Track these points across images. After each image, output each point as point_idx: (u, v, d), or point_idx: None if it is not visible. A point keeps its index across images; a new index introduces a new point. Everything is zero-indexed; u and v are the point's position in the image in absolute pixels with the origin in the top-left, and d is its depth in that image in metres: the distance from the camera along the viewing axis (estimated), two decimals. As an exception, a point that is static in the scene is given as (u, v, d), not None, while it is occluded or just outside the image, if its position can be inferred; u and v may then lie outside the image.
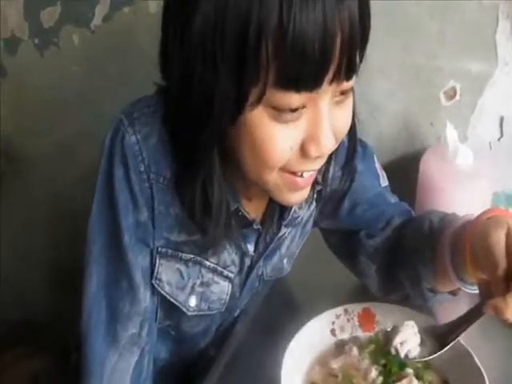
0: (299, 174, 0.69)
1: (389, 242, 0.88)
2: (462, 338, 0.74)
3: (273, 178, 0.69)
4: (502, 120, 1.19)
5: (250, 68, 0.60)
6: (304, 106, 0.63)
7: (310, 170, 0.70)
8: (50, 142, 1.55)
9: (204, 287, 0.83)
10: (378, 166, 0.94)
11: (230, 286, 0.85)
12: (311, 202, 0.89)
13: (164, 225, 0.76)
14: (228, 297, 0.85)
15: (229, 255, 0.83)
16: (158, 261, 0.78)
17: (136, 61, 1.37)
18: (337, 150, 0.75)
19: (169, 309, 0.83)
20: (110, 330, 0.77)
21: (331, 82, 0.62)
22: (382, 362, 0.76)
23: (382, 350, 0.75)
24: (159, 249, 0.77)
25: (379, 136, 1.26)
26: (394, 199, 0.94)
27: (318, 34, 0.58)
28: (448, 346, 0.68)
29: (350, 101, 0.69)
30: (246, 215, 0.80)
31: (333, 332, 0.80)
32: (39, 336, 1.61)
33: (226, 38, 0.60)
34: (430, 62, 1.19)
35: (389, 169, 0.98)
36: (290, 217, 0.85)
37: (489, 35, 1.14)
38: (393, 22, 1.18)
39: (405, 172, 1.16)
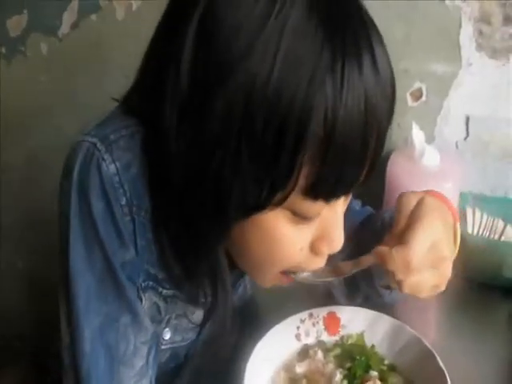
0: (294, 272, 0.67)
1: (352, 246, 0.87)
2: (426, 339, 0.75)
3: (270, 275, 0.67)
4: (467, 120, 1.20)
5: (283, 171, 0.54)
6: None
7: (311, 269, 0.67)
8: (20, 154, 1.53)
9: (179, 319, 0.78)
10: None
11: (203, 313, 0.79)
12: None
13: (145, 259, 0.69)
14: (200, 321, 0.80)
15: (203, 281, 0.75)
16: (141, 295, 0.71)
17: (105, 69, 1.37)
18: None
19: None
20: (115, 377, 0.68)
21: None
22: (347, 365, 0.76)
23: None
24: (141, 283, 0.70)
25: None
26: (357, 206, 0.93)
27: (359, 140, 0.54)
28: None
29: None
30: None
31: (298, 337, 0.79)
32: (12, 349, 1.59)
33: (257, 134, 0.53)
34: (396, 63, 1.17)
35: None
36: None
37: (453, 37, 1.15)
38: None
39: (373, 173, 1.17)
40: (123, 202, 0.64)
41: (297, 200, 0.57)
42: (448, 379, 0.70)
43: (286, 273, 0.67)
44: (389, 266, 0.64)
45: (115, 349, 0.68)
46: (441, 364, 0.72)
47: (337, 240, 0.63)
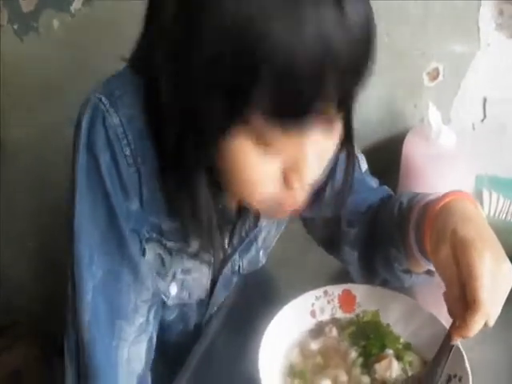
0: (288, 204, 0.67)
1: (368, 228, 0.87)
2: (443, 319, 0.74)
3: (258, 203, 0.67)
4: (485, 101, 1.18)
5: (241, 91, 0.56)
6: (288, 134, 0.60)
7: (295, 204, 0.67)
8: (33, 129, 1.53)
9: (185, 274, 0.81)
10: (358, 154, 0.92)
11: (211, 271, 0.83)
12: None
13: (150, 210, 0.72)
14: (209, 281, 0.84)
15: (206, 242, 0.77)
16: (144, 246, 0.74)
17: (117, 45, 1.35)
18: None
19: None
20: (115, 331, 0.72)
21: (320, 113, 0.58)
22: (362, 343, 0.75)
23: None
24: (145, 233, 0.74)
25: (363, 117, 1.24)
26: (375, 184, 0.92)
27: (309, 61, 0.54)
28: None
29: (337, 130, 0.65)
30: (229, 212, 0.79)
31: (312, 314, 0.79)
32: (19, 326, 1.59)
33: (219, 63, 0.56)
34: (414, 43, 1.18)
35: (372, 150, 0.97)
36: None
37: (471, 17, 1.13)
38: (377, 6, 1.17)
39: (388, 153, 1.16)
40: (127, 152, 0.67)
41: (257, 124, 0.58)
42: (465, 358, 0.69)
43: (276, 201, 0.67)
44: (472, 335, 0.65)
45: (116, 303, 0.71)
46: (458, 343, 0.71)
47: (305, 175, 0.63)
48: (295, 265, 0.98)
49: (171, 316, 0.86)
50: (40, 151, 1.55)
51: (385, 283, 0.85)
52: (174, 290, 0.80)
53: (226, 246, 0.84)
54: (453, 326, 0.68)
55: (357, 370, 0.73)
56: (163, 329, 0.87)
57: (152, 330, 0.76)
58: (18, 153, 1.58)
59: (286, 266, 1.00)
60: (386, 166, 1.02)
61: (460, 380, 0.68)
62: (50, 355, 1.45)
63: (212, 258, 0.82)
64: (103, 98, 0.67)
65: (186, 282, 0.81)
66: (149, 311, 0.75)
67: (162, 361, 0.91)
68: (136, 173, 0.69)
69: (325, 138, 0.63)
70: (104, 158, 0.67)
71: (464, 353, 0.70)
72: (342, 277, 0.87)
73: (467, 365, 0.69)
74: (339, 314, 0.80)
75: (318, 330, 0.78)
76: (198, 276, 0.82)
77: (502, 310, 0.86)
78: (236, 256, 0.87)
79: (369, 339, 0.75)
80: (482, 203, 1.07)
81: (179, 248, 0.77)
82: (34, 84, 1.47)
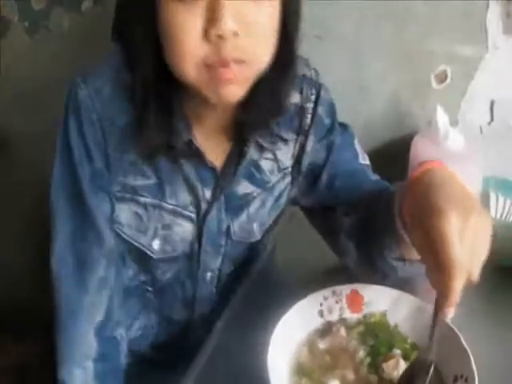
0: (219, 65, 0.72)
1: (362, 217, 0.88)
2: (450, 319, 0.75)
3: (194, 72, 0.73)
4: (492, 104, 1.19)
5: None
6: None
7: (224, 58, 0.71)
8: (38, 125, 1.53)
9: (166, 230, 0.87)
10: (357, 145, 0.96)
11: (192, 227, 0.89)
12: (286, 174, 0.93)
13: (119, 170, 0.83)
14: (190, 236, 0.89)
15: (186, 197, 0.87)
16: (116, 205, 0.84)
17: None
18: (314, 124, 0.90)
19: (138, 258, 0.89)
20: (80, 279, 0.84)
21: None
22: (370, 342, 0.76)
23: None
24: (117, 193, 0.84)
25: (371, 119, 1.26)
26: (374, 177, 0.94)
27: None
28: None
29: (271, 5, 0.73)
30: (199, 147, 0.83)
31: (321, 313, 0.80)
32: (26, 319, 1.59)
33: None
34: (422, 45, 1.19)
35: (380, 151, 0.98)
36: (246, 163, 0.88)
37: (480, 19, 1.15)
38: (385, 6, 1.18)
39: (396, 155, 1.17)
40: (94, 117, 0.80)
41: None
42: (471, 359, 0.70)
43: (213, 67, 0.72)
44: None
45: (83, 256, 0.84)
46: (464, 344, 0.72)
47: (221, 23, 0.68)
48: (304, 264, 0.99)
49: (164, 276, 0.93)
50: (44, 148, 1.56)
51: (384, 277, 0.86)
52: (156, 244, 0.88)
53: (209, 199, 0.88)
54: (438, 300, 0.66)
55: (364, 370, 0.73)
56: (162, 294, 0.95)
57: (113, 287, 0.86)
58: (22, 148, 1.59)
59: (295, 265, 1.01)
60: (394, 167, 1.03)
61: (466, 380, 0.69)
62: (52, 350, 1.46)
63: (193, 215, 0.88)
64: (78, 78, 0.81)
65: (168, 236, 0.88)
66: (108, 268, 0.85)
67: (169, 342, 1.03)
68: (102, 137, 0.81)
69: (254, 5, 0.71)
70: (72, 128, 0.81)
71: (470, 353, 0.71)
72: (350, 277, 0.88)
73: (473, 365, 0.69)
74: (347, 314, 0.81)
75: (326, 330, 0.79)
76: (181, 231, 0.88)
77: (509, 307, 0.87)
78: (222, 214, 0.90)
79: (377, 339, 0.76)
80: (488, 205, 1.08)
81: (156, 204, 0.85)
82: (43, 81, 1.48)
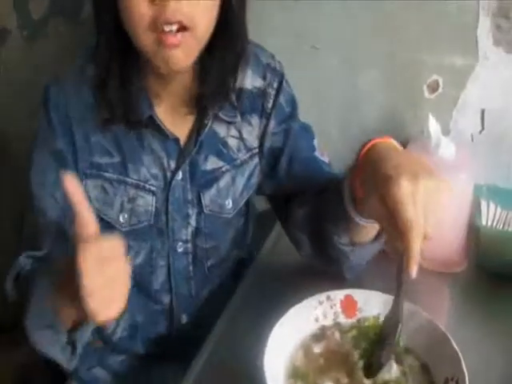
0: (165, 30, 0.80)
1: (314, 207, 0.94)
2: (441, 323, 0.77)
3: (147, 39, 0.81)
4: (483, 113, 1.21)
5: None
6: None
7: (169, 19, 0.79)
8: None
9: (131, 203, 0.95)
10: (316, 142, 1.02)
11: (154, 199, 0.96)
12: (254, 154, 1.01)
13: (85, 150, 0.92)
14: (153, 208, 0.96)
15: (148, 170, 0.95)
16: (84, 181, 0.92)
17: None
18: (275, 109, 0.98)
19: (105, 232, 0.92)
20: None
21: None
22: (363, 346, 0.78)
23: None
24: (85, 170, 0.93)
25: (365, 127, 1.28)
26: (330, 171, 1.00)
27: None
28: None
29: None
30: (160, 123, 0.92)
31: (316, 318, 0.82)
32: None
33: None
34: (414, 56, 1.22)
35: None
36: (213, 139, 0.97)
37: (470, 31, 1.17)
38: (380, 18, 1.21)
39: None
40: (61, 105, 0.91)
41: None
42: (462, 361, 0.72)
43: (161, 32, 0.80)
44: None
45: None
46: (455, 346, 0.74)
47: None
48: (299, 269, 1.01)
49: (138, 259, 0.98)
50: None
51: (336, 263, 0.92)
52: (123, 217, 0.95)
53: (173, 169, 0.96)
54: (400, 262, 0.71)
55: (358, 373, 0.75)
56: (140, 284, 0.99)
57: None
58: (21, 157, 1.59)
59: (290, 270, 1.03)
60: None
61: (457, 382, 0.71)
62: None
63: (156, 188, 0.96)
64: (53, 78, 0.94)
65: (133, 209, 0.95)
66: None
67: (155, 334, 1.06)
68: (69, 124, 0.91)
69: None
70: (42, 115, 0.92)
71: (461, 355, 0.73)
72: (344, 282, 0.90)
73: (464, 367, 0.71)
74: (341, 319, 0.82)
75: (320, 334, 0.81)
76: (144, 203, 0.95)
77: (498, 312, 0.89)
78: (187, 184, 0.97)
79: (370, 343, 0.78)
80: (480, 212, 1.10)
81: (121, 180, 0.94)
82: (40, 86, 1.49)
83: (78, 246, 0.64)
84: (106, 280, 0.65)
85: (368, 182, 0.77)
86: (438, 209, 0.70)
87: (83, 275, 0.63)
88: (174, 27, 0.80)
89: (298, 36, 1.28)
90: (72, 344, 0.81)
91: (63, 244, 0.88)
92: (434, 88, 1.22)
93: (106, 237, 0.68)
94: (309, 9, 1.24)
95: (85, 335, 0.82)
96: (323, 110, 1.30)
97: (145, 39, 0.82)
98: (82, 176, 0.92)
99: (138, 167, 0.94)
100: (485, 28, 1.16)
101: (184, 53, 0.82)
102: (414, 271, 0.68)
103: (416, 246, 0.67)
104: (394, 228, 0.69)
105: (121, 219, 0.95)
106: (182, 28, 0.80)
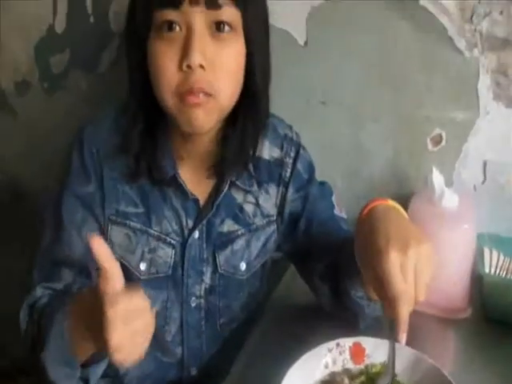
0: (188, 92, 0.84)
1: (334, 262, 0.96)
2: (445, 369, 0.80)
3: (170, 99, 0.86)
4: (485, 164, 1.25)
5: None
6: (179, 25, 0.83)
7: (193, 86, 0.84)
8: (53, 177, 1.58)
9: (152, 253, 0.97)
10: (334, 199, 1.05)
11: (174, 252, 0.98)
12: (271, 221, 1.03)
13: (113, 198, 0.95)
14: (172, 261, 0.98)
15: (170, 225, 0.98)
16: (109, 226, 0.96)
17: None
18: (293, 177, 1.01)
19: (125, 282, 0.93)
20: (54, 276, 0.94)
21: (192, 3, 0.82)
22: (372, 392, 0.81)
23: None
24: (111, 217, 0.96)
25: (370, 179, 1.32)
26: (347, 227, 1.02)
27: None
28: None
29: (232, 44, 0.86)
30: (182, 183, 0.96)
31: (326, 364, 0.85)
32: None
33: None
34: (418, 110, 1.27)
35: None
36: (222, 198, 0.99)
37: (471, 86, 1.22)
38: (384, 74, 1.26)
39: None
40: (94, 150, 0.94)
41: (155, 15, 0.84)
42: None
43: (184, 94, 0.85)
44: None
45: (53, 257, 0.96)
46: (450, 379, 0.77)
47: (190, 56, 0.82)
48: (311, 317, 1.04)
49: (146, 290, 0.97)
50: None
51: (353, 315, 0.95)
52: (143, 266, 0.97)
53: (191, 228, 0.99)
54: (391, 328, 0.75)
55: (366, 417, 0.78)
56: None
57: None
58: (38, 200, 1.64)
59: (303, 314, 1.07)
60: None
61: None
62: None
63: (175, 242, 0.98)
64: (84, 123, 0.98)
65: (153, 260, 0.98)
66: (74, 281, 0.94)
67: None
68: (100, 168, 0.94)
69: (217, 45, 0.85)
70: (76, 157, 0.95)
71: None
72: (353, 330, 0.93)
73: None
74: (350, 365, 0.86)
75: (330, 380, 0.84)
76: (164, 254, 0.98)
77: (502, 359, 0.91)
78: (203, 244, 1.00)
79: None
80: (483, 261, 1.12)
81: (143, 230, 0.97)
82: (61, 139, 1.53)
83: (105, 300, 0.66)
84: (132, 333, 0.67)
85: (361, 250, 0.81)
86: (428, 274, 0.74)
87: (111, 331, 0.65)
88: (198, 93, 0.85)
89: (305, 90, 1.33)
90: (85, 381, 0.83)
91: (84, 280, 0.94)
92: (437, 141, 1.27)
93: (132, 291, 0.69)
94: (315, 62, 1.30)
95: (98, 371, 0.84)
96: (329, 160, 1.33)
97: (170, 103, 0.87)
98: (108, 221, 0.96)
99: (160, 220, 0.97)
100: (485, 84, 1.21)
101: (205, 113, 0.86)
102: (403, 338, 0.74)
103: (404, 315, 0.72)
104: (385, 296, 0.73)
105: (141, 267, 0.97)
106: (206, 93, 0.85)
